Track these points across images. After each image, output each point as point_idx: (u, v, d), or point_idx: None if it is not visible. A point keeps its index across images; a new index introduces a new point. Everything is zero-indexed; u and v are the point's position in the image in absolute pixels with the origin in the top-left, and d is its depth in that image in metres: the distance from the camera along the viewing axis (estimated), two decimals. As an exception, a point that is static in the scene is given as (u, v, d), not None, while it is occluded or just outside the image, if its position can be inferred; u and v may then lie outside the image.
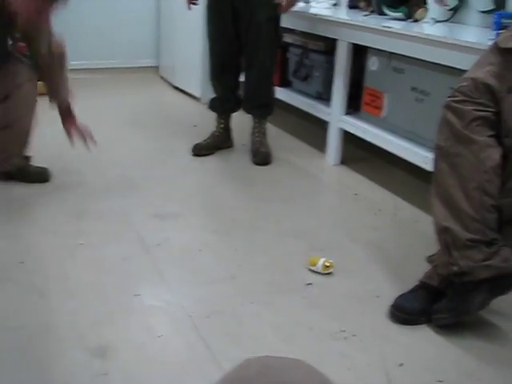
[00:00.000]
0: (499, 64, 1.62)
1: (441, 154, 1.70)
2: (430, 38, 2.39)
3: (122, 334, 1.70)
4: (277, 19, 3.00)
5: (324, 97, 3.26)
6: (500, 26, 2.21)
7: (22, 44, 2.52)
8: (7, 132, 2.47)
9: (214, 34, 3.07)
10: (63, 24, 4.20)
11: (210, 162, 3.14)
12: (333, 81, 3.08)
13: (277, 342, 1.69)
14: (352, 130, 3.01)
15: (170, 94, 4.64)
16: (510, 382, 1.60)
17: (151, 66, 5.21)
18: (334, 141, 3.14)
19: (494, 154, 1.61)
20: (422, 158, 2.49)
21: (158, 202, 2.58)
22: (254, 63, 3.03)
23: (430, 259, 1.86)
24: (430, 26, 2.75)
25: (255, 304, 1.87)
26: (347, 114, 3.07)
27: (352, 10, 3.36)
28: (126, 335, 1.69)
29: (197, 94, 4.35)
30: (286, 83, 3.60)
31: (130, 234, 2.29)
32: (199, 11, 3.41)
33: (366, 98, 2.96)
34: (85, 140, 2.57)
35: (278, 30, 3.06)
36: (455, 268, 1.67)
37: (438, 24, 2.81)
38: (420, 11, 2.82)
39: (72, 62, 2.78)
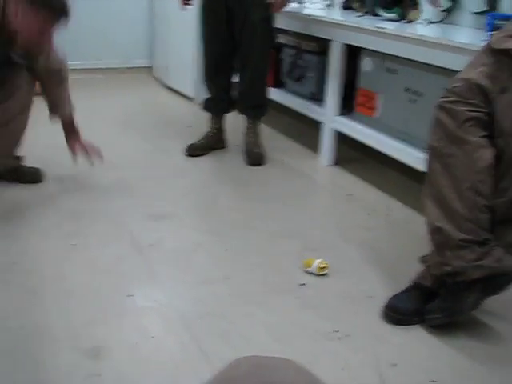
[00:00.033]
0: (492, 65, 1.63)
1: (434, 154, 1.70)
2: (424, 38, 2.40)
3: (116, 334, 1.69)
4: (271, 20, 3.01)
5: (317, 97, 3.26)
6: (493, 27, 2.22)
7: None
8: (2, 131, 2.46)
9: (207, 35, 3.07)
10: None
11: (204, 162, 3.13)
12: (326, 81, 3.08)
13: (270, 342, 1.69)
14: (345, 131, 3.02)
15: (164, 95, 4.63)
16: (503, 381, 1.60)
17: (145, 67, 5.21)
18: (327, 141, 3.15)
19: (487, 155, 1.61)
20: (415, 158, 2.49)
21: (152, 202, 2.58)
22: (248, 64, 3.03)
23: (422, 259, 1.86)
24: (423, 26, 2.75)
25: (248, 304, 1.87)
26: (341, 114, 3.07)
27: (346, 11, 3.36)
28: (119, 336, 1.69)
29: (191, 94, 4.35)
30: (279, 84, 3.60)
31: (123, 234, 2.28)
32: (193, 11, 3.40)
33: (359, 98, 2.97)
34: (90, 157, 2.57)
35: (272, 31, 3.06)
36: (448, 268, 1.68)
37: (432, 25, 2.82)
38: (413, 12, 2.83)
39: (65, 62, 2.78)
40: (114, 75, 5.00)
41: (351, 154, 3.29)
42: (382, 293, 1.93)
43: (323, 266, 2.05)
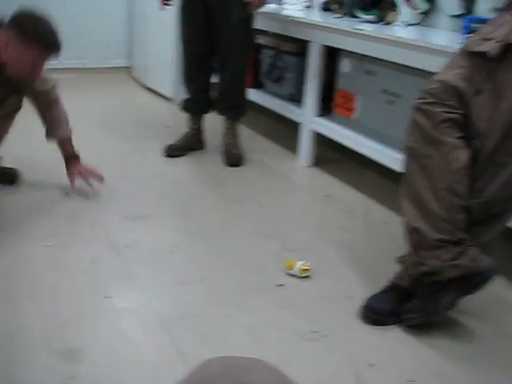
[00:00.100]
0: (468, 67, 1.65)
1: (411, 155, 1.72)
2: (402, 40, 2.42)
3: (93, 336, 1.68)
4: (250, 20, 3.01)
5: (296, 98, 3.27)
6: (469, 30, 2.24)
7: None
8: None
9: (186, 35, 3.06)
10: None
11: (183, 163, 3.12)
12: (305, 82, 3.09)
13: (248, 343, 1.69)
14: (324, 132, 3.03)
15: (143, 95, 4.61)
16: (478, 379, 1.62)
17: (123, 67, 5.17)
18: (306, 142, 3.16)
19: (463, 156, 1.63)
20: (393, 159, 2.51)
21: (129, 202, 2.56)
22: (227, 64, 3.03)
23: (400, 260, 1.87)
24: (401, 28, 2.78)
25: (226, 305, 1.87)
26: (319, 115, 3.08)
27: (325, 13, 3.38)
28: (97, 338, 1.67)
29: (169, 94, 4.33)
30: (258, 85, 3.60)
31: (100, 235, 2.26)
32: (172, 12, 3.39)
33: (338, 99, 2.98)
34: (90, 183, 2.56)
35: (252, 32, 3.07)
36: (424, 268, 1.69)
37: (409, 27, 2.84)
38: (391, 14, 2.85)
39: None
40: (93, 75, 4.96)
41: (330, 154, 3.30)
42: (361, 293, 1.93)
43: (306, 268, 2.04)
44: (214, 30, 2.97)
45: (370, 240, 2.37)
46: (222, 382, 0.63)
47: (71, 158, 2.58)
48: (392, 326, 1.80)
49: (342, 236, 2.38)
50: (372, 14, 2.90)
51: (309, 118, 3.10)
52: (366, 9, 2.95)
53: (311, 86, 3.04)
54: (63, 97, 2.57)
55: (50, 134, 2.54)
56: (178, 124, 3.44)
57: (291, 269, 2.05)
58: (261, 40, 3.47)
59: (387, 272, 1.92)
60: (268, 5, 3.28)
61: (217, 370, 0.66)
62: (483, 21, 2.15)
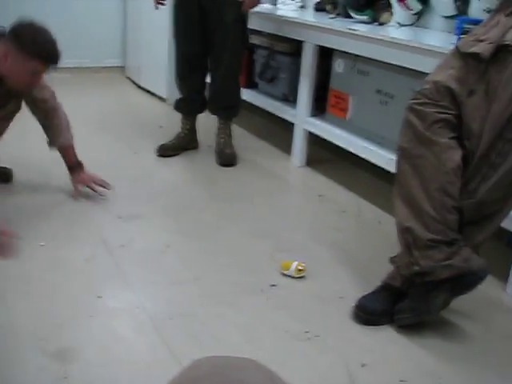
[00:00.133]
0: (460, 68, 1.65)
1: (403, 155, 1.72)
2: (395, 41, 2.42)
3: (85, 336, 1.67)
4: (244, 20, 3.00)
5: (290, 98, 3.27)
6: (462, 31, 2.25)
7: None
8: None
9: (180, 35, 3.06)
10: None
11: (176, 162, 3.12)
12: (299, 83, 3.09)
13: (241, 343, 1.69)
14: (317, 132, 3.03)
15: (136, 95, 4.60)
16: (470, 379, 1.62)
17: (117, 66, 5.16)
18: (299, 142, 3.16)
19: (455, 156, 1.63)
20: (386, 159, 2.52)
21: (122, 202, 2.56)
22: (221, 64, 3.03)
23: (392, 260, 1.87)
24: (394, 29, 2.78)
25: (219, 305, 1.86)
26: (313, 115, 3.08)
27: (318, 13, 3.38)
28: (89, 338, 1.67)
29: (163, 94, 4.32)
30: (252, 84, 3.60)
31: (93, 235, 2.26)
32: (166, 11, 3.39)
33: (331, 100, 2.98)
34: (95, 191, 2.55)
35: (246, 32, 3.06)
36: (416, 268, 1.69)
37: (403, 28, 2.85)
38: (385, 15, 2.85)
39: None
40: (86, 74, 4.95)
41: (323, 155, 3.30)
42: (353, 293, 1.94)
43: (301, 268, 2.04)
44: (208, 30, 2.97)
45: (363, 240, 2.37)
46: (213, 381, 0.63)
47: (75, 167, 2.57)
48: (384, 326, 1.81)
49: (335, 236, 2.39)
50: (366, 15, 2.90)
51: (302, 117, 3.10)
52: (360, 9, 2.95)
53: (305, 86, 3.04)
54: (58, 96, 2.56)
55: (51, 142, 2.53)
56: (171, 124, 3.44)
57: (287, 269, 2.05)
58: (255, 40, 3.47)
59: (380, 272, 1.92)
60: (262, 5, 3.28)
61: (207, 369, 0.66)
62: (476, 22, 2.16)
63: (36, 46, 2.15)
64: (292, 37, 3.11)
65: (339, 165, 3.21)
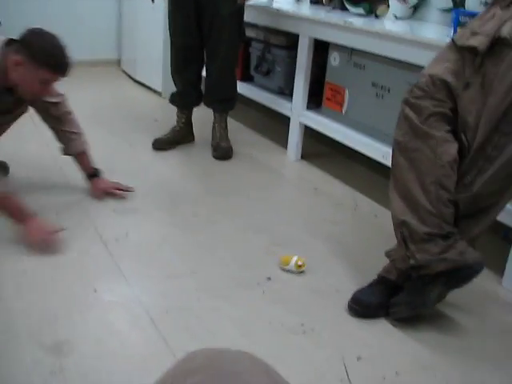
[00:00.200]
0: (456, 61, 1.65)
1: (399, 148, 1.72)
2: (391, 34, 2.42)
3: (80, 329, 1.67)
4: (240, 14, 2.99)
5: (285, 92, 3.27)
6: (458, 24, 2.24)
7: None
8: None
9: (175, 28, 3.04)
10: (21, 15, 4.11)
11: (171, 156, 3.11)
12: (294, 76, 3.08)
13: (236, 337, 1.69)
14: (313, 125, 3.03)
15: (132, 88, 4.58)
16: (465, 372, 1.63)
17: (112, 60, 5.14)
18: (294, 136, 3.15)
19: (451, 149, 1.63)
20: (382, 153, 2.51)
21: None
22: (217, 57, 3.02)
23: (388, 253, 1.87)
24: (391, 22, 2.77)
25: (215, 298, 1.86)
26: (308, 109, 3.08)
27: (314, 6, 3.37)
28: (84, 331, 1.67)
29: (158, 88, 4.31)
30: (247, 78, 3.59)
31: (88, 228, 2.25)
32: (162, 4, 3.37)
33: (327, 93, 2.98)
34: (116, 195, 2.54)
35: (242, 25, 3.05)
36: (412, 261, 1.69)
37: (399, 21, 2.84)
38: (381, 8, 2.85)
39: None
40: (81, 68, 4.91)
41: (319, 148, 3.30)
42: (349, 286, 1.94)
43: (301, 263, 2.04)
44: (203, 23, 2.95)
45: (359, 233, 2.37)
46: (207, 373, 0.63)
47: (92, 176, 2.55)
48: (380, 320, 1.81)
49: (331, 229, 2.39)
50: (362, 8, 2.89)
51: (298, 111, 3.09)
52: (356, 2, 2.94)
53: (300, 80, 3.04)
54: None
55: (64, 149, 2.53)
56: (167, 117, 3.43)
57: (287, 264, 2.05)
58: (250, 33, 3.46)
59: (376, 265, 1.92)
60: (257, -3, 3.27)
61: (201, 361, 0.66)
62: (473, 15, 2.16)
63: (44, 54, 2.14)
64: (288, 30, 3.10)
65: (335, 158, 3.21)
